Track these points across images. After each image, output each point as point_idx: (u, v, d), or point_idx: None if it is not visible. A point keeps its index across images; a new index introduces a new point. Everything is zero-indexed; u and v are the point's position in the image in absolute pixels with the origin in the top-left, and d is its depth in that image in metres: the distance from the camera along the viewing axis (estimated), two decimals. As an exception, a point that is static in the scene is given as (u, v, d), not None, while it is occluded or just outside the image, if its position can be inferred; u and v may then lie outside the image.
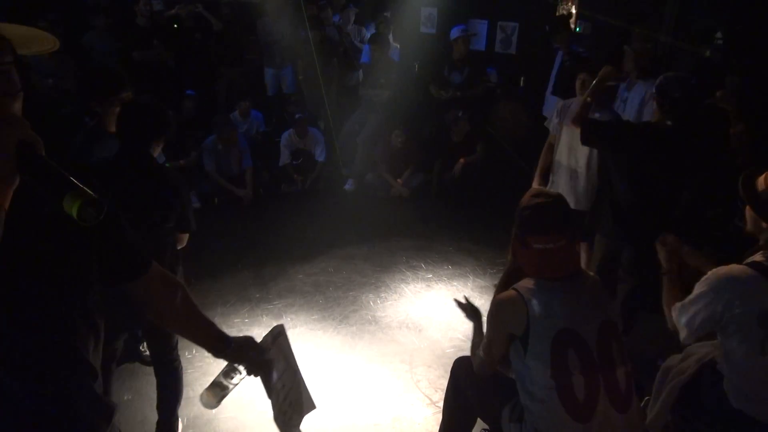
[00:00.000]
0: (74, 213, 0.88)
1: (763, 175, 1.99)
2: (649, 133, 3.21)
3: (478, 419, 2.39)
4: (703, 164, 3.39)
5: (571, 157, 3.96)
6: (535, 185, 4.23)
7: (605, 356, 1.83)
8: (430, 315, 3.98)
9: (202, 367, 3.33)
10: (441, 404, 3.06)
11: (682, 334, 2.07)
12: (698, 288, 1.99)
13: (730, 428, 2.02)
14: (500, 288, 2.13)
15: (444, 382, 3.24)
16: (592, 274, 2.07)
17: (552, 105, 6.00)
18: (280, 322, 3.76)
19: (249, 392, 3.11)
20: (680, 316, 2.05)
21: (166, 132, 2.47)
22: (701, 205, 3.68)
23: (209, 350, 1.57)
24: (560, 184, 4.01)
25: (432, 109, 6.46)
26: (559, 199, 1.99)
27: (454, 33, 6.14)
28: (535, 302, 1.85)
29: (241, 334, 3.44)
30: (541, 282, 1.90)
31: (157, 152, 2.51)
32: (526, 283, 1.93)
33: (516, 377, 1.96)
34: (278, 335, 1.79)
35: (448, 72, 6.23)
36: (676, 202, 3.31)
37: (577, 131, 3.67)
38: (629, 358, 1.91)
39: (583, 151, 3.87)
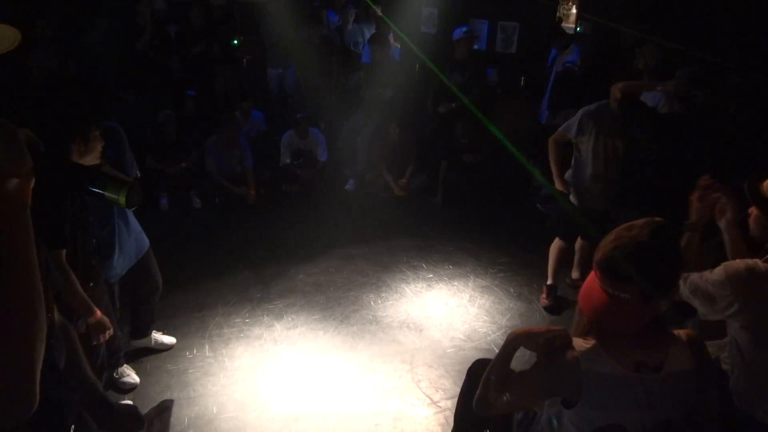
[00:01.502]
0: (122, 200, 0.94)
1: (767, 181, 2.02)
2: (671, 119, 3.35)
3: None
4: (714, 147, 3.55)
5: (609, 168, 3.83)
6: (559, 187, 4.01)
7: None
8: (431, 315, 3.98)
9: (203, 367, 3.33)
10: (442, 404, 3.07)
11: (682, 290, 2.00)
12: (717, 275, 1.95)
13: (733, 428, 2.01)
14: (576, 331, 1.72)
15: (445, 382, 3.25)
16: (685, 347, 1.62)
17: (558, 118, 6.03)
18: (279, 323, 3.77)
19: (249, 392, 3.12)
20: (692, 290, 1.98)
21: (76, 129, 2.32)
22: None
23: (91, 415, 1.49)
24: (595, 192, 3.90)
25: (434, 111, 6.47)
26: (659, 242, 1.47)
27: (457, 34, 6.14)
28: (593, 386, 1.54)
29: (242, 334, 3.45)
30: (611, 364, 1.55)
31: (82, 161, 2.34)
32: (592, 353, 1.56)
33: (546, 405, 1.77)
34: (164, 410, 1.73)
35: (449, 72, 6.23)
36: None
37: (617, 141, 3.72)
38: None
39: (618, 161, 3.81)
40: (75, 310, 2.26)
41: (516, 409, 1.79)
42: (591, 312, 1.57)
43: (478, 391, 1.75)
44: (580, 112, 3.85)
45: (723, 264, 1.96)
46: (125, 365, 3.22)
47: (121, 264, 2.97)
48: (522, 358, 1.89)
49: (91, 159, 2.44)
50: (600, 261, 1.53)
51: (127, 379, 3.16)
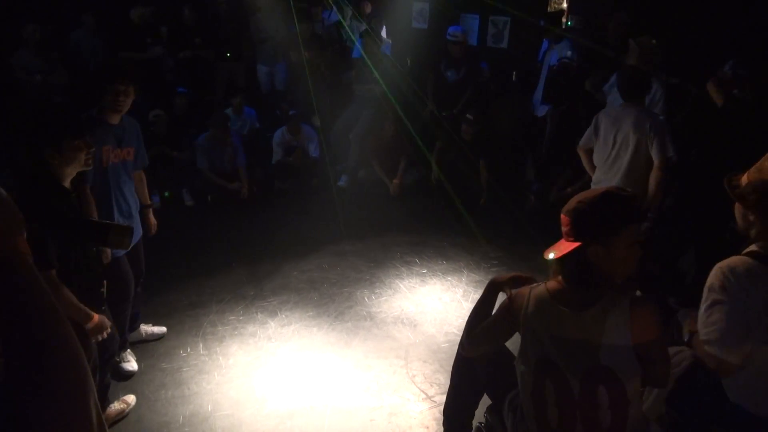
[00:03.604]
0: (125, 246, 1.02)
1: (744, 174, 2.06)
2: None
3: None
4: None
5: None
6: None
7: (587, 397, 1.74)
8: (425, 310, 3.98)
9: (197, 365, 3.32)
10: (437, 399, 3.08)
11: (732, 357, 1.84)
12: (710, 295, 1.90)
13: (726, 421, 2.02)
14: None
15: (439, 377, 3.26)
16: (625, 309, 1.74)
17: (542, 111, 6.04)
18: (274, 320, 3.77)
19: (244, 390, 3.12)
20: (718, 341, 1.86)
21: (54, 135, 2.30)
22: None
23: None
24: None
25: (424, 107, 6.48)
26: (608, 197, 1.79)
27: (449, 36, 6.19)
28: (529, 314, 1.82)
29: (236, 332, 3.44)
30: (548, 300, 1.80)
31: (64, 173, 2.36)
32: (540, 289, 1.85)
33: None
34: None
35: (445, 69, 6.26)
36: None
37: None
38: (632, 401, 1.75)
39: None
40: (73, 317, 2.29)
41: (491, 344, 2.06)
42: (555, 254, 1.80)
43: (462, 334, 2.07)
44: (662, 123, 3.69)
45: (708, 285, 1.93)
46: (128, 351, 3.28)
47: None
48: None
49: (74, 168, 2.40)
50: (565, 209, 1.80)
51: (126, 365, 3.22)
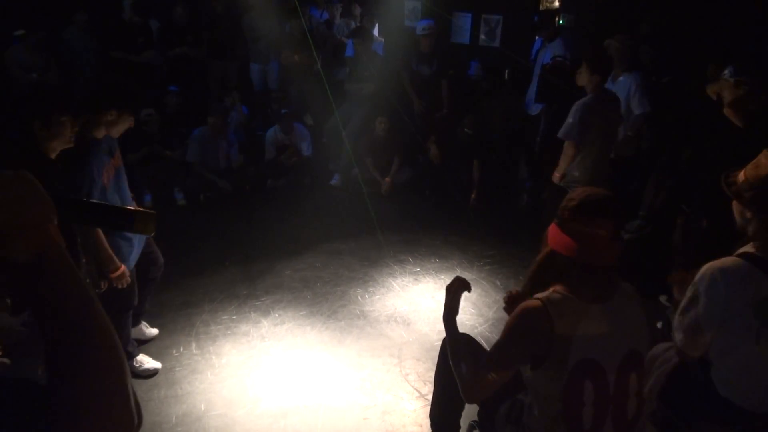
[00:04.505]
0: (150, 232, 1.14)
1: (741, 171, 2.07)
2: None
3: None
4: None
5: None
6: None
7: (621, 388, 1.74)
8: (418, 308, 3.99)
9: (190, 364, 3.31)
10: (430, 397, 3.08)
11: (689, 350, 2.04)
12: (691, 289, 1.99)
13: (716, 416, 2.05)
14: (529, 282, 1.93)
15: (433, 375, 3.26)
16: (631, 289, 1.85)
17: (536, 109, 6.06)
18: (267, 319, 3.76)
19: (238, 389, 3.11)
20: (680, 325, 2.04)
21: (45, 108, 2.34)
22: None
23: None
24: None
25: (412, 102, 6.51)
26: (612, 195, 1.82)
27: (419, 30, 6.26)
28: (561, 324, 1.69)
29: (228, 331, 3.43)
30: (573, 301, 1.72)
31: (49, 146, 2.39)
32: (555, 296, 1.74)
33: (524, 377, 1.85)
34: None
35: (417, 65, 6.29)
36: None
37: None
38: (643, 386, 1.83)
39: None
40: (100, 262, 2.56)
41: (502, 381, 1.85)
42: (569, 250, 1.73)
43: (459, 383, 1.90)
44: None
45: (695, 280, 1.99)
46: (141, 354, 3.29)
47: (134, 257, 3.01)
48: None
49: (60, 143, 2.43)
50: (578, 206, 1.74)
51: (146, 366, 3.23)
